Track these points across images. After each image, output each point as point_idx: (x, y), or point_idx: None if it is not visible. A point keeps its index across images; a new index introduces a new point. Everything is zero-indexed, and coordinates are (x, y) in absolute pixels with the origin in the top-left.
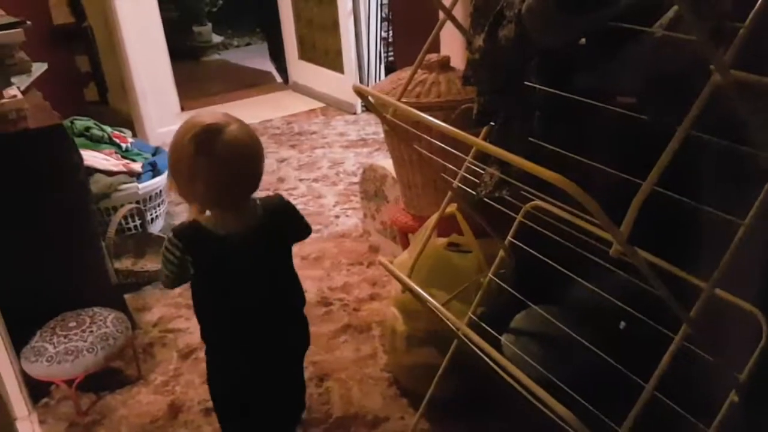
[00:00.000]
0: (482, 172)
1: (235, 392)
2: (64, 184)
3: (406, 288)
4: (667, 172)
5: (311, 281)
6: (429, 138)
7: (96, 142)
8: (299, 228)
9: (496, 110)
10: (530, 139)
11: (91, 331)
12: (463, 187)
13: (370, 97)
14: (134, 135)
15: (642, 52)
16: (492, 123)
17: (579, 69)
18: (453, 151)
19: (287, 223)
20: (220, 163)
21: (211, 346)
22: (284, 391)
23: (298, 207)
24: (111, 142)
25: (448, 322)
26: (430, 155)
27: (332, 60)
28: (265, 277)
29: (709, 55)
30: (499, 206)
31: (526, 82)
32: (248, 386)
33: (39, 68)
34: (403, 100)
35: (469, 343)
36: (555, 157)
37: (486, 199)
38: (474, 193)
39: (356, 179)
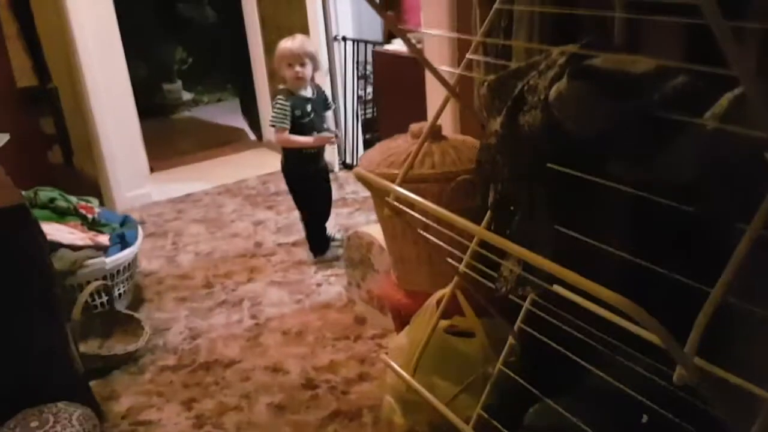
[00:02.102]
0: (487, 254)
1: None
2: (25, 268)
3: (411, 388)
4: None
5: (294, 360)
6: (431, 222)
7: (61, 215)
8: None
9: (516, 198)
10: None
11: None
12: (470, 273)
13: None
14: (101, 203)
15: (691, 143)
16: (510, 210)
17: (613, 157)
18: (458, 238)
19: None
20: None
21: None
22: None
23: (278, 275)
24: (77, 214)
25: (453, 423)
26: (436, 241)
27: None
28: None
29: None
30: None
31: (550, 165)
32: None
33: (1, 139)
34: (395, 172)
35: None
36: (572, 244)
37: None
38: (481, 279)
39: (337, 243)
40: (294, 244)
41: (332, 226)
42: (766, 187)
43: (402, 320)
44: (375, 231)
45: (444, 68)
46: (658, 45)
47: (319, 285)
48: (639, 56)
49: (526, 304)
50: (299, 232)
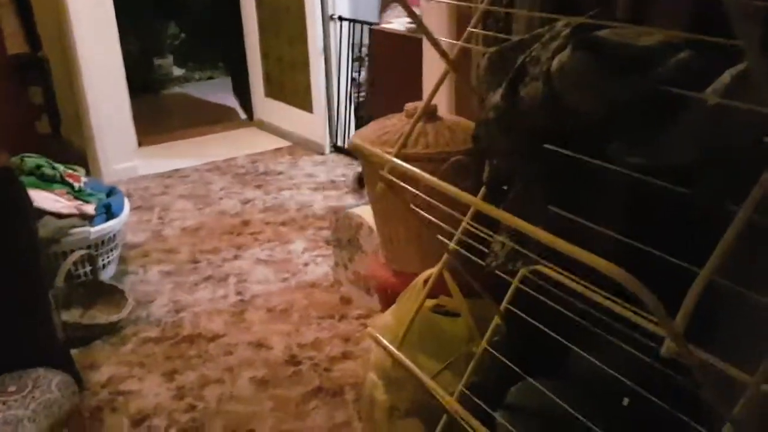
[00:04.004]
0: (479, 232)
1: None
2: (9, 231)
3: (397, 362)
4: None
5: (278, 336)
6: (424, 196)
7: (47, 182)
8: None
9: (512, 175)
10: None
11: (34, 397)
12: (461, 250)
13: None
14: (88, 173)
15: (693, 121)
16: (505, 188)
17: (615, 135)
18: (451, 211)
19: None
20: None
21: None
22: None
23: (264, 253)
24: (63, 182)
25: (437, 397)
26: (429, 217)
27: (301, 99)
28: None
29: None
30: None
31: (548, 146)
32: None
33: None
34: (388, 150)
35: (461, 420)
36: (565, 223)
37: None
38: (471, 256)
39: (325, 224)
40: (282, 223)
41: (321, 208)
42: (762, 170)
43: (388, 300)
44: (364, 212)
45: (444, 39)
46: (664, 16)
47: (306, 264)
48: (645, 28)
49: (515, 282)
50: (287, 212)
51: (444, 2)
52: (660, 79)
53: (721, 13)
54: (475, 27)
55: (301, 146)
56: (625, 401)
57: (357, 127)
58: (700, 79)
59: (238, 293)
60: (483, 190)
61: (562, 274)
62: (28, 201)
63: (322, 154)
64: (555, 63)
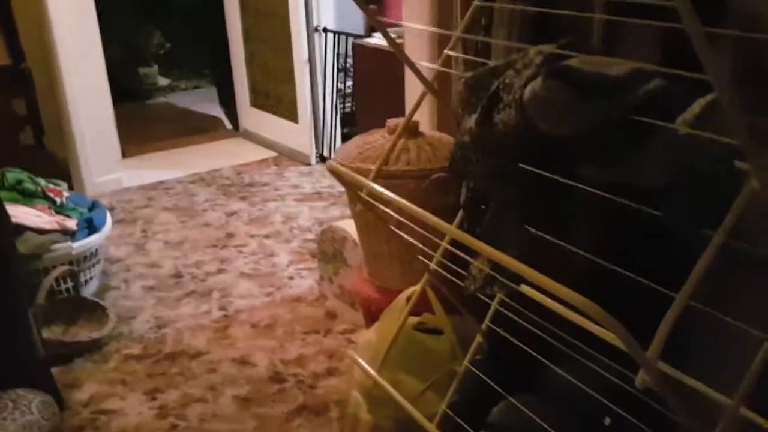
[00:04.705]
0: (458, 252)
1: None
2: None
3: (377, 384)
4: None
5: (262, 352)
6: (402, 219)
7: (28, 197)
8: None
9: (488, 196)
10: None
11: (14, 419)
12: (441, 271)
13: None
14: (71, 186)
15: (662, 147)
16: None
17: (585, 158)
18: (429, 235)
19: None
20: None
21: None
22: None
23: (249, 267)
24: (45, 197)
25: (418, 420)
26: (409, 239)
27: (286, 109)
28: None
29: (750, 157)
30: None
31: (522, 165)
32: None
33: None
34: (369, 166)
35: None
36: (541, 243)
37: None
38: (451, 277)
39: (311, 236)
40: (267, 236)
41: (307, 220)
42: (734, 195)
43: (372, 316)
44: (349, 226)
45: (423, 63)
46: (636, 47)
47: (290, 278)
48: (615, 58)
49: (494, 304)
50: (272, 225)
51: (423, 30)
52: (630, 106)
53: (692, 46)
54: (452, 50)
55: (287, 157)
56: (607, 421)
57: (343, 137)
58: (669, 107)
59: (222, 308)
60: (461, 212)
61: (540, 293)
62: (6, 217)
63: (308, 164)
64: (528, 91)
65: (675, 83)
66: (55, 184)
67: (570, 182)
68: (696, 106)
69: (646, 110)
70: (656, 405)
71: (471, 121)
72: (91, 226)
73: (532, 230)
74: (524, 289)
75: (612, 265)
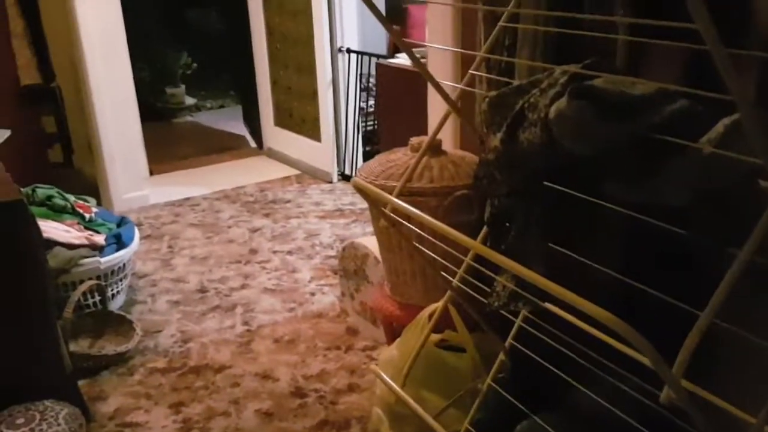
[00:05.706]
0: (482, 269)
1: None
2: (19, 264)
3: (399, 400)
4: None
5: (284, 367)
6: (426, 235)
7: (58, 212)
8: None
9: (512, 214)
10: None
11: (41, 430)
12: (463, 287)
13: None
14: (99, 203)
15: (686, 166)
16: (508, 224)
17: (610, 177)
18: (452, 251)
19: None
20: None
21: None
22: None
23: (272, 282)
24: (74, 213)
25: None
26: (431, 254)
27: (309, 128)
28: None
29: None
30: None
31: (546, 183)
32: None
33: (2, 135)
34: (392, 184)
35: None
36: (565, 261)
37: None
38: (474, 294)
39: (333, 252)
40: (289, 252)
41: (328, 236)
42: (758, 214)
43: (394, 332)
44: (371, 243)
45: (446, 83)
46: (659, 68)
47: (312, 294)
48: (639, 79)
49: (518, 321)
50: (294, 241)
51: (447, 51)
52: (655, 126)
53: (715, 67)
54: (476, 69)
55: (309, 175)
56: None
57: (364, 155)
58: (693, 127)
59: (245, 323)
60: (484, 229)
61: (564, 311)
62: (38, 233)
63: (330, 182)
64: (552, 110)
65: (699, 103)
66: (84, 200)
67: (594, 200)
68: (720, 126)
69: (671, 130)
70: (681, 423)
71: (496, 140)
72: (119, 242)
73: (556, 247)
74: (549, 306)
75: (636, 282)
